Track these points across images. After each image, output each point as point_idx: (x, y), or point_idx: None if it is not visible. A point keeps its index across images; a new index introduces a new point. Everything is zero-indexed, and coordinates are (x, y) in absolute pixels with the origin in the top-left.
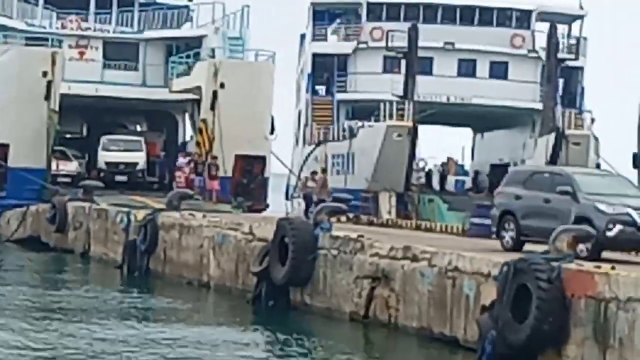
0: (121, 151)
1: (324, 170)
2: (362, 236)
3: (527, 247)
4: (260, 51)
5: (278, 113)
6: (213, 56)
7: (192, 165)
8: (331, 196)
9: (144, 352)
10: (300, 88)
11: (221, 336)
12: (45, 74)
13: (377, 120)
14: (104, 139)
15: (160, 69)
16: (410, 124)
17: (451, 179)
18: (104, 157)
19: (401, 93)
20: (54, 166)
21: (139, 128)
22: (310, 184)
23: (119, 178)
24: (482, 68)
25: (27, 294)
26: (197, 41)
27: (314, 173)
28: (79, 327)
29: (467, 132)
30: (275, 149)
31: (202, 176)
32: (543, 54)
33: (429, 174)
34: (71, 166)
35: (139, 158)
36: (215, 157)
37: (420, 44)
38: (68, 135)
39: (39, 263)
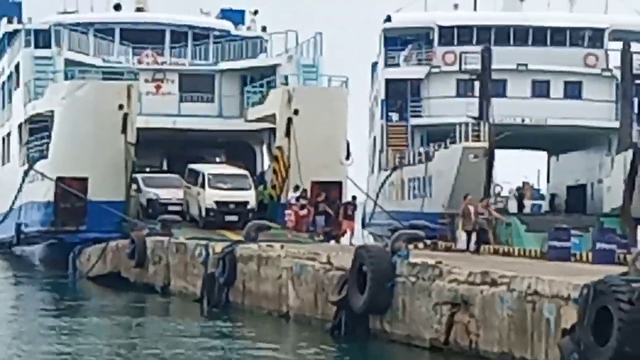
0: (230, 189)
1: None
2: (440, 262)
3: (607, 269)
4: (333, 77)
5: (352, 140)
6: (286, 84)
7: (301, 201)
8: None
9: None
10: (374, 115)
11: None
12: (121, 107)
13: (452, 143)
14: (207, 175)
15: (236, 100)
16: (486, 144)
17: (527, 203)
18: (213, 196)
19: (476, 115)
20: (163, 194)
21: (217, 160)
22: (482, 210)
23: (229, 218)
24: (556, 88)
25: (109, 336)
26: (271, 70)
27: (480, 200)
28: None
29: (541, 156)
30: (351, 176)
31: (324, 215)
32: (617, 73)
33: (520, 198)
34: (181, 194)
35: (250, 197)
36: (355, 197)
37: (493, 66)
38: (148, 169)
39: (120, 302)
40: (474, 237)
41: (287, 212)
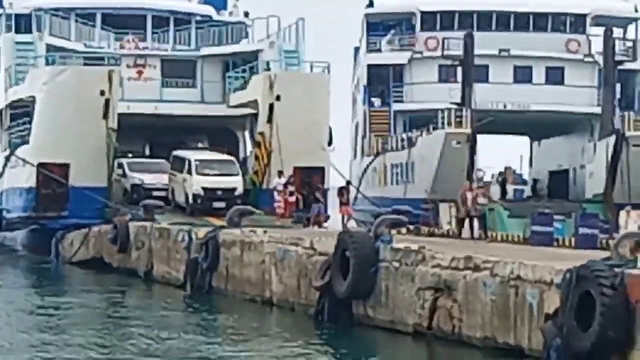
0: (217, 175)
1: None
2: (423, 247)
3: (590, 253)
4: (314, 62)
5: (334, 126)
6: (269, 69)
7: (289, 187)
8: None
9: None
10: (356, 100)
11: (285, 354)
12: (102, 92)
13: (435, 129)
14: (194, 161)
15: (218, 86)
16: (469, 130)
17: (510, 188)
18: (200, 182)
19: (458, 101)
20: (148, 179)
21: (200, 145)
22: (481, 200)
23: (216, 204)
24: (538, 74)
25: (93, 316)
26: (253, 56)
27: (479, 187)
28: (144, 344)
29: (524, 141)
30: (333, 162)
31: (320, 203)
32: (599, 58)
33: (503, 183)
34: (166, 179)
35: (238, 183)
36: (349, 182)
37: (476, 51)
38: (130, 155)
39: (103, 289)
40: (469, 223)
41: (276, 198)
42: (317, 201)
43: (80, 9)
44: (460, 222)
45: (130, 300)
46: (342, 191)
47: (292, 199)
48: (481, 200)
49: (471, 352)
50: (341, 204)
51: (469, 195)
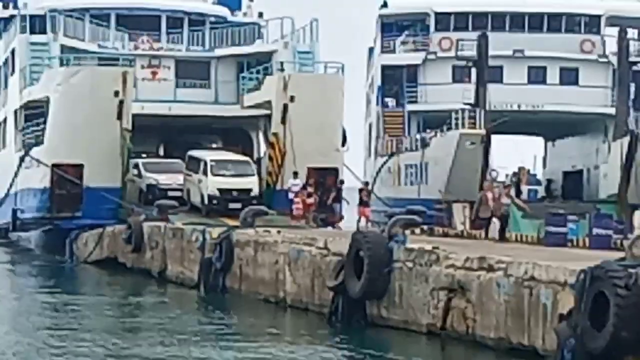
0: (233, 176)
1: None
2: (437, 248)
3: (604, 254)
4: (328, 63)
5: (348, 126)
6: (282, 70)
7: (308, 188)
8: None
9: None
10: (370, 101)
11: (299, 354)
12: (116, 93)
13: (449, 130)
14: (210, 162)
15: (232, 86)
16: (483, 131)
17: (524, 189)
18: (215, 183)
19: (472, 102)
20: (163, 179)
21: (214, 146)
22: (504, 200)
23: (232, 205)
24: (553, 75)
25: (107, 316)
26: (267, 56)
27: (505, 186)
28: (157, 345)
29: (538, 141)
30: (347, 162)
31: (341, 202)
32: (613, 59)
33: (518, 183)
34: (181, 179)
35: (253, 184)
36: (367, 183)
37: (490, 52)
38: (144, 155)
39: (117, 286)
40: (494, 223)
41: (295, 200)
42: (337, 201)
43: (95, 10)
44: (485, 222)
45: (143, 300)
46: (361, 192)
47: (311, 200)
48: (504, 200)
49: (485, 352)
50: (360, 204)
51: (489, 195)
